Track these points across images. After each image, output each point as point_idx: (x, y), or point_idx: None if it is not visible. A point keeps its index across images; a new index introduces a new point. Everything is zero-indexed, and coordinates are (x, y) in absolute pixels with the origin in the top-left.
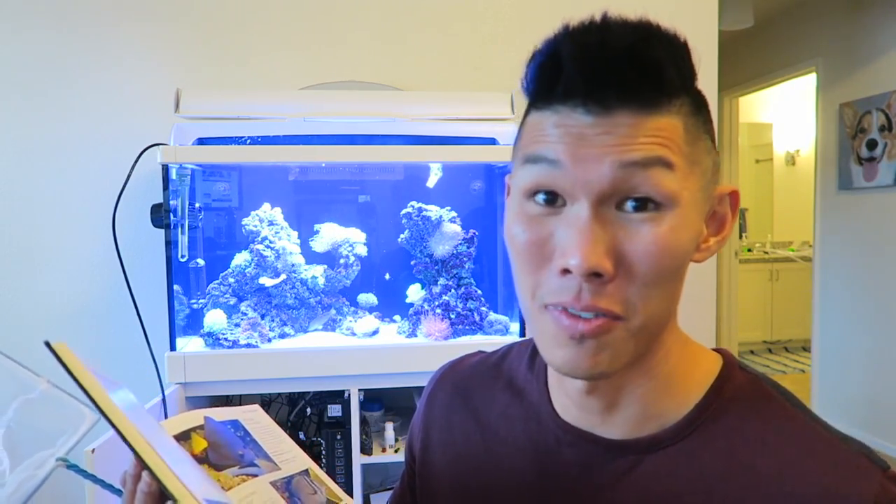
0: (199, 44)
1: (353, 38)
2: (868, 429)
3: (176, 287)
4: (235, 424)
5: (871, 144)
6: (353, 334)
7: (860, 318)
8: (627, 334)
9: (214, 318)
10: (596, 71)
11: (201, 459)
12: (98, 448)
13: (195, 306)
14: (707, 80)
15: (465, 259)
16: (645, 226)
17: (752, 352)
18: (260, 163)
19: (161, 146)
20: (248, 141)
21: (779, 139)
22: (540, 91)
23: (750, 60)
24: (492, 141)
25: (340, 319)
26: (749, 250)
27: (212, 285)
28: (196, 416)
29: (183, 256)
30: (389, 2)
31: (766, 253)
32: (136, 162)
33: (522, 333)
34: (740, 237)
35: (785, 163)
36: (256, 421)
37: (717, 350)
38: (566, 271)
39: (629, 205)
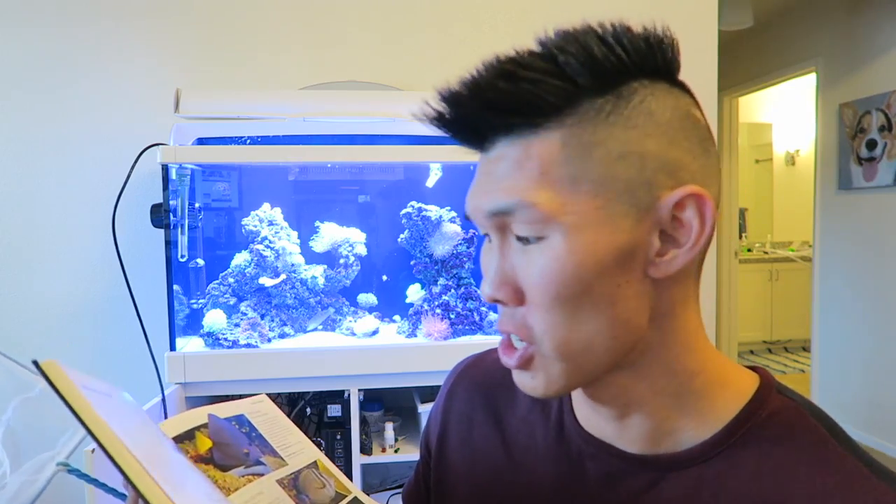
0: (199, 44)
1: (353, 38)
2: (868, 429)
3: (176, 287)
4: (241, 420)
5: (871, 144)
6: (353, 334)
7: (860, 319)
8: (546, 360)
9: (214, 318)
10: (455, 120)
11: (206, 460)
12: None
13: (195, 306)
14: (707, 80)
15: (464, 259)
16: (534, 254)
17: (751, 352)
18: (260, 163)
19: (161, 146)
20: (248, 141)
21: (778, 139)
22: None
23: (750, 60)
24: None
25: (340, 319)
26: (749, 250)
27: (211, 285)
28: (200, 414)
29: (183, 256)
30: (389, 2)
31: (766, 253)
32: (135, 162)
33: None
34: (740, 237)
35: (785, 163)
36: (263, 413)
37: (754, 369)
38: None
39: (514, 238)
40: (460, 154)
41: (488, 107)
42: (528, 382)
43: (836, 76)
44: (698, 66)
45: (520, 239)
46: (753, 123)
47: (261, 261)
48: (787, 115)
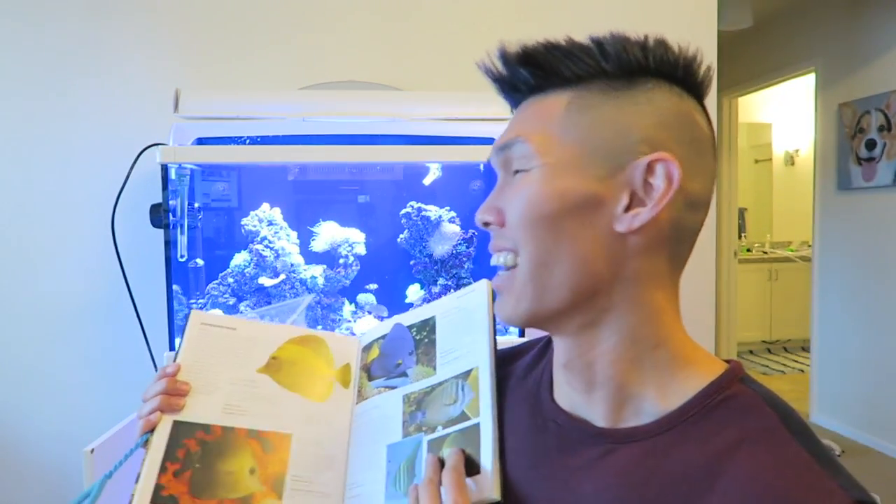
0: (199, 44)
1: (353, 38)
2: (867, 429)
3: (175, 287)
4: (427, 323)
5: (870, 144)
6: (353, 334)
7: (859, 318)
8: (522, 277)
9: None
10: (500, 73)
11: (367, 369)
12: (97, 448)
13: (194, 306)
14: None
15: (464, 259)
16: (518, 184)
17: (751, 352)
18: (259, 163)
19: (160, 146)
20: (248, 141)
21: (778, 139)
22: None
23: (749, 60)
24: (491, 141)
25: (340, 319)
26: (748, 250)
27: (211, 285)
28: (389, 324)
29: (182, 256)
30: (389, 2)
31: (766, 253)
32: (135, 162)
33: (522, 333)
34: (739, 237)
35: (784, 163)
36: (463, 308)
37: (728, 361)
38: None
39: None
40: (460, 154)
41: (529, 65)
42: (502, 306)
43: (835, 76)
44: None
45: (515, 173)
46: (753, 123)
47: (260, 261)
48: (786, 116)
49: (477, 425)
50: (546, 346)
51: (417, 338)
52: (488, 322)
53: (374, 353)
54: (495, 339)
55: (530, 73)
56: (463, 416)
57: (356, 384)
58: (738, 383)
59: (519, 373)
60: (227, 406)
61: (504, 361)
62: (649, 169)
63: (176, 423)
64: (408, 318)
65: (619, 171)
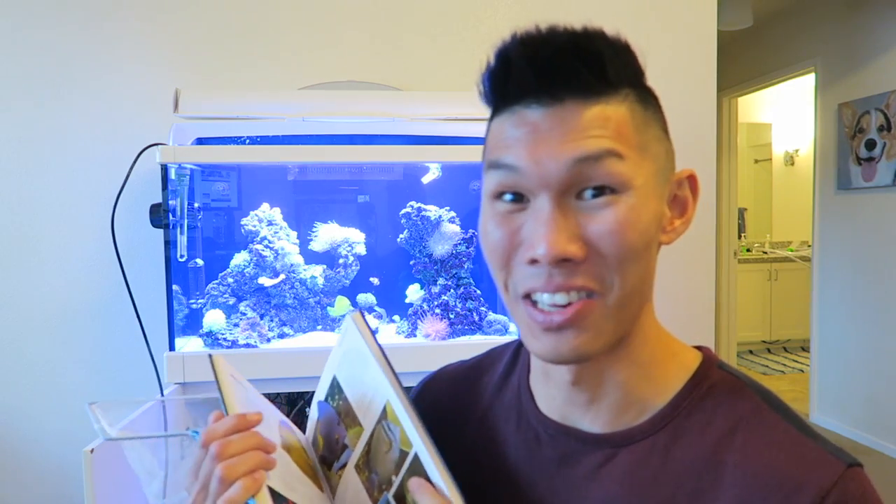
0: (199, 44)
1: (353, 39)
2: (867, 429)
3: (175, 287)
4: (334, 385)
5: (870, 144)
6: None
7: (859, 318)
8: (606, 311)
9: (213, 318)
10: (542, 60)
11: (322, 460)
12: (97, 448)
13: (194, 306)
14: (706, 80)
15: (464, 259)
16: (605, 209)
17: (750, 352)
18: (259, 163)
19: (160, 146)
20: (248, 141)
21: (778, 139)
22: (496, 93)
23: (749, 60)
24: None
25: (340, 319)
26: (748, 250)
27: (211, 285)
28: (315, 408)
29: (182, 256)
30: (389, 2)
31: (765, 253)
32: (134, 162)
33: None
34: (739, 237)
35: (784, 163)
36: (347, 351)
37: (698, 348)
38: (534, 261)
39: (588, 193)
40: (460, 154)
41: (586, 61)
42: (569, 344)
43: (835, 76)
44: (697, 66)
45: (594, 192)
46: (753, 123)
47: (260, 261)
48: (786, 116)
49: (416, 454)
50: (515, 356)
51: (335, 405)
52: (371, 352)
53: (320, 441)
54: (387, 359)
55: (589, 70)
56: (402, 455)
57: (323, 479)
58: (717, 370)
59: (492, 389)
60: (280, 475)
61: (468, 381)
62: (679, 182)
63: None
64: (321, 391)
65: (667, 186)
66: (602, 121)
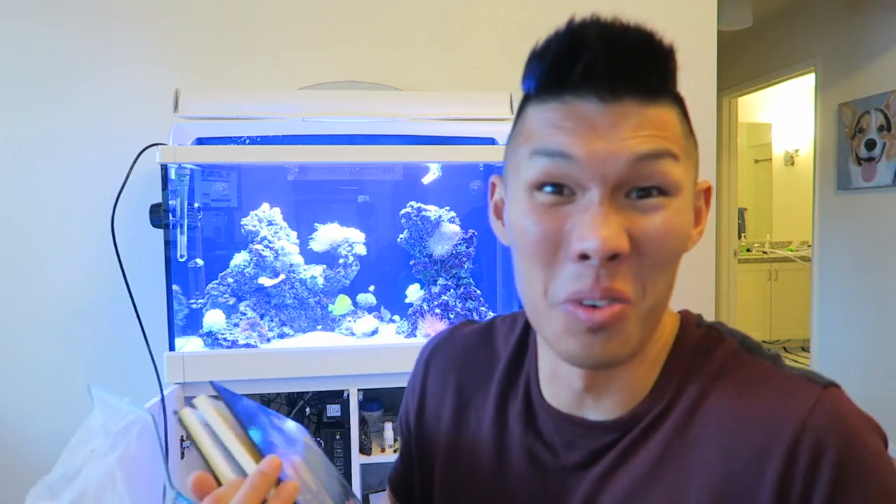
0: (199, 44)
1: (353, 38)
2: None
3: (175, 287)
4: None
5: (870, 144)
6: (353, 334)
7: (859, 318)
8: (637, 319)
9: (213, 318)
10: (617, 55)
11: None
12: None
13: (194, 306)
14: (706, 80)
15: (464, 259)
16: (653, 211)
17: None
18: (259, 163)
19: (160, 146)
20: (247, 141)
21: (778, 139)
22: (552, 79)
23: (749, 60)
24: (491, 141)
25: (339, 319)
26: (748, 250)
27: (211, 285)
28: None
29: (182, 256)
30: (389, 2)
31: (765, 253)
32: (134, 162)
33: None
34: (739, 237)
35: (784, 163)
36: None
37: (679, 312)
38: (583, 257)
39: (636, 193)
40: (460, 154)
41: (650, 60)
42: (601, 347)
43: (835, 76)
44: (697, 66)
45: (642, 192)
46: (752, 123)
47: (260, 261)
48: (786, 116)
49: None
50: (519, 352)
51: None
52: (232, 439)
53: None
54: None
55: (657, 72)
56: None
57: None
58: (695, 328)
59: (498, 391)
60: None
61: (480, 348)
62: (697, 192)
63: None
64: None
65: (694, 198)
66: (661, 123)
